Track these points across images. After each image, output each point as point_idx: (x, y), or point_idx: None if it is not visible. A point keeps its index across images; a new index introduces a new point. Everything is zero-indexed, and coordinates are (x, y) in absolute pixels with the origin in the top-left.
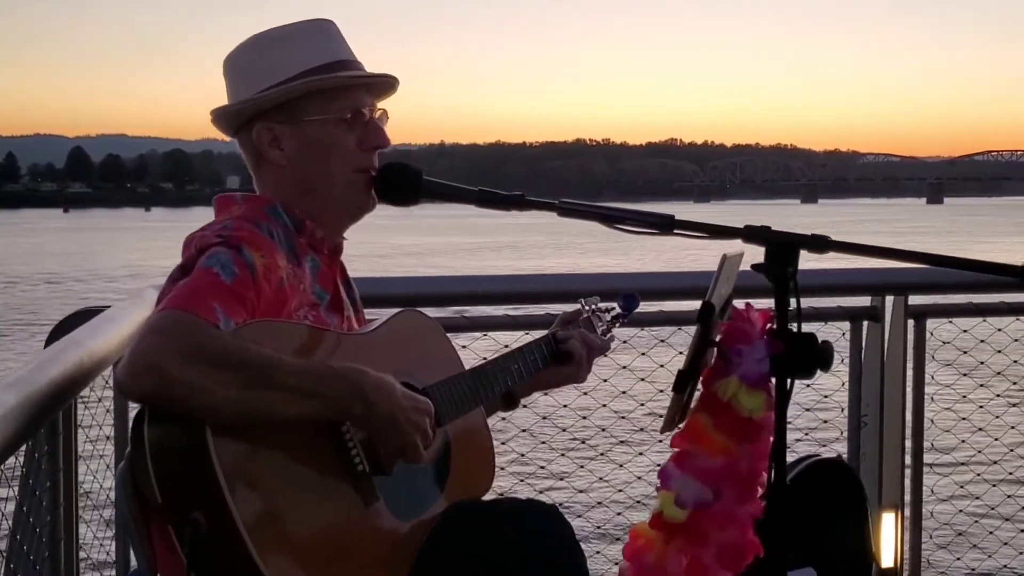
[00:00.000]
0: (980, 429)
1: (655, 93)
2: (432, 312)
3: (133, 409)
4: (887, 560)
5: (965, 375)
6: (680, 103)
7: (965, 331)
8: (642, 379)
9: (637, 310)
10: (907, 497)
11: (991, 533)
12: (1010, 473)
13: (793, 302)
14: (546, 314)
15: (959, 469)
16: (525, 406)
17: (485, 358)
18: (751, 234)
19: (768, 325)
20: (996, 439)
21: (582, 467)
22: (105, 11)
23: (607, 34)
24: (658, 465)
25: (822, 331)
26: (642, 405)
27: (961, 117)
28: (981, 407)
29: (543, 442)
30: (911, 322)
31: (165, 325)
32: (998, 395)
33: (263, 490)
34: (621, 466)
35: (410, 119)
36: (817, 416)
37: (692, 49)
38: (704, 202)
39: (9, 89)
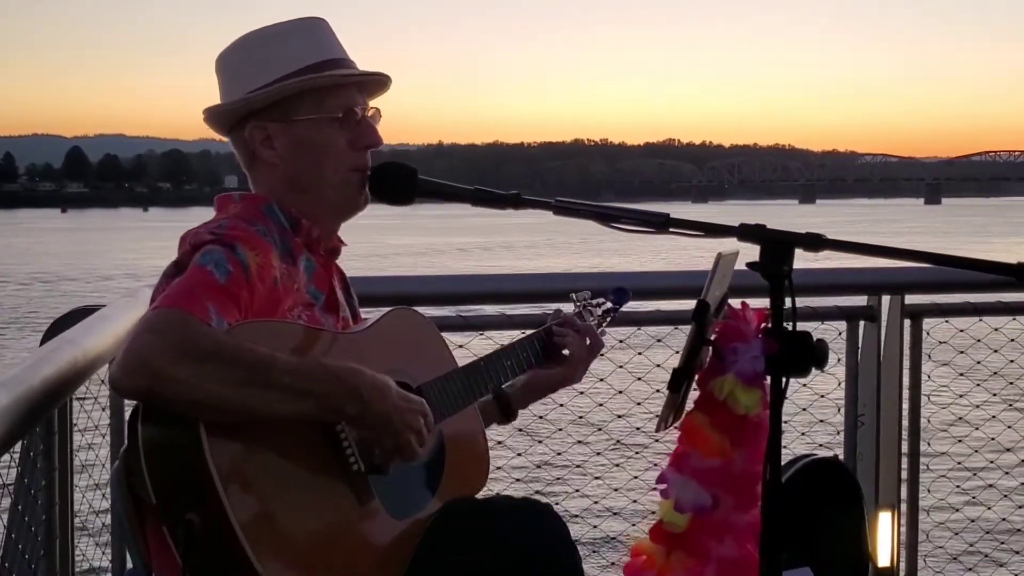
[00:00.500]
0: (976, 428)
1: (653, 94)
2: (428, 311)
3: (129, 407)
4: (884, 559)
5: (961, 375)
6: (678, 103)
7: (962, 330)
8: (638, 378)
9: (629, 305)
10: (903, 496)
11: (987, 532)
12: (1006, 472)
13: (788, 301)
14: (542, 313)
15: (955, 468)
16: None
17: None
18: (746, 232)
19: (763, 324)
20: (993, 438)
21: (578, 466)
22: (103, 11)
23: (605, 34)
24: (654, 464)
25: (818, 330)
26: (638, 404)
27: (959, 118)
28: (977, 407)
29: (539, 441)
30: (907, 321)
31: (159, 323)
32: (994, 394)
33: (258, 490)
34: (617, 465)
35: (408, 119)
36: (813, 416)
37: (690, 49)
38: (702, 202)
39: (7, 89)
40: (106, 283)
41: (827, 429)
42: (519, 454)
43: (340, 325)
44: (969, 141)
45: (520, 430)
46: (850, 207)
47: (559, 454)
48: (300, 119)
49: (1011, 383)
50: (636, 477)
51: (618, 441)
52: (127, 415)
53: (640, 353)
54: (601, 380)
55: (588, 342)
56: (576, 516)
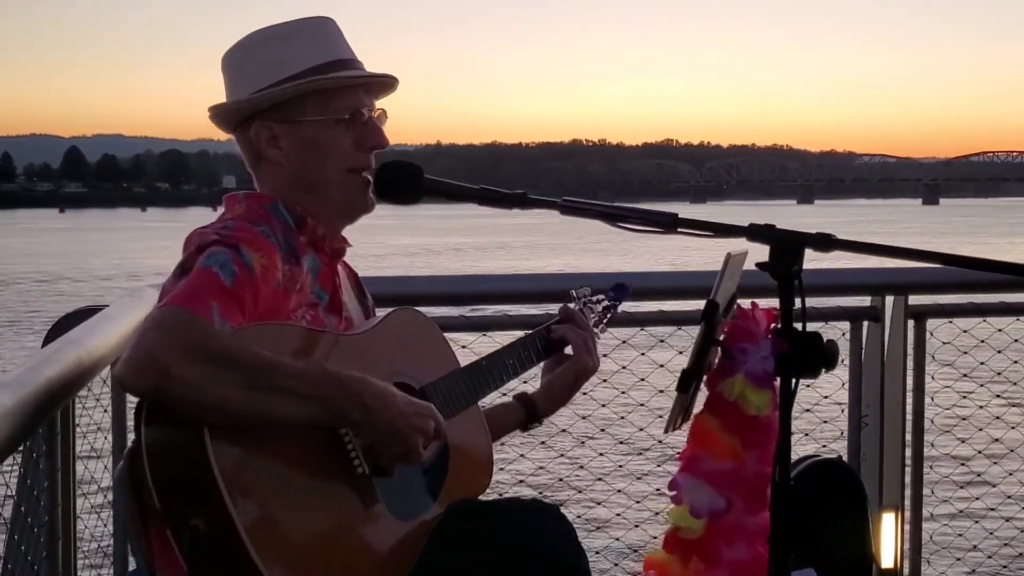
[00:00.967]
0: (980, 429)
1: (651, 94)
2: (430, 311)
3: (131, 408)
4: (887, 560)
5: (965, 375)
6: (676, 104)
7: (965, 331)
8: (642, 379)
9: (631, 305)
10: (907, 497)
11: (991, 534)
12: (1010, 473)
13: (798, 301)
14: (545, 313)
15: (959, 469)
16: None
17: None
18: (755, 232)
19: (772, 324)
20: (996, 439)
21: (582, 467)
22: (101, 11)
23: (604, 35)
24: (658, 466)
25: (822, 331)
26: (641, 405)
27: (957, 118)
28: (981, 407)
29: (542, 442)
30: (911, 322)
31: (167, 322)
32: (998, 395)
33: (262, 494)
34: (620, 467)
35: (406, 119)
36: (817, 416)
37: (689, 49)
38: (700, 203)
39: (5, 89)
40: (104, 283)
41: (831, 430)
42: (522, 455)
43: (343, 326)
44: (967, 141)
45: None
46: (848, 207)
47: (562, 455)
48: (306, 120)
49: (1015, 384)
50: (640, 478)
51: (621, 442)
52: (130, 415)
53: (643, 353)
54: (604, 381)
55: (584, 332)
56: (579, 517)
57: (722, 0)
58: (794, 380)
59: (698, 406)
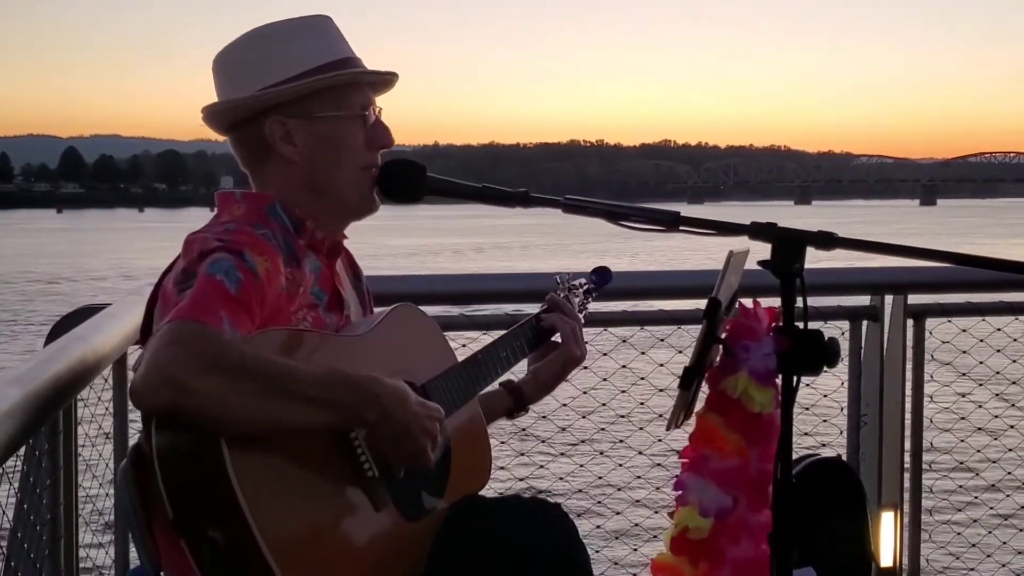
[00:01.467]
0: (979, 429)
1: (649, 94)
2: (430, 311)
3: (132, 408)
4: (886, 559)
5: (964, 375)
6: (674, 104)
7: (964, 330)
8: (641, 378)
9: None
10: (906, 496)
11: (990, 532)
12: (1009, 473)
13: (799, 299)
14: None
15: (958, 468)
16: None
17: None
18: (757, 230)
19: (774, 322)
20: (995, 439)
21: (581, 466)
22: (98, 11)
23: (601, 35)
24: (658, 464)
25: (822, 330)
26: (641, 404)
27: (954, 119)
28: (980, 406)
29: (543, 441)
30: (910, 321)
31: (180, 336)
32: (997, 395)
33: (279, 503)
34: (620, 465)
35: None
36: (816, 415)
37: (687, 50)
38: (698, 203)
39: (2, 89)
40: (101, 284)
41: (830, 428)
42: (522, 453)
43: (343, 322)
44: (964, 142)
45: (523, 430)
46: (846, 208)
47: (562, 454)
48: (321, 116)
49: (1014, 383)
50: (640, 477)
51: (621, 440)
52: (132, 414)
53: (643, 353)
54: (604, 380)
55: (572, 321)
56: (579, 516)
57: (720, 1)
58: (796, 378)
59: (698, 406)
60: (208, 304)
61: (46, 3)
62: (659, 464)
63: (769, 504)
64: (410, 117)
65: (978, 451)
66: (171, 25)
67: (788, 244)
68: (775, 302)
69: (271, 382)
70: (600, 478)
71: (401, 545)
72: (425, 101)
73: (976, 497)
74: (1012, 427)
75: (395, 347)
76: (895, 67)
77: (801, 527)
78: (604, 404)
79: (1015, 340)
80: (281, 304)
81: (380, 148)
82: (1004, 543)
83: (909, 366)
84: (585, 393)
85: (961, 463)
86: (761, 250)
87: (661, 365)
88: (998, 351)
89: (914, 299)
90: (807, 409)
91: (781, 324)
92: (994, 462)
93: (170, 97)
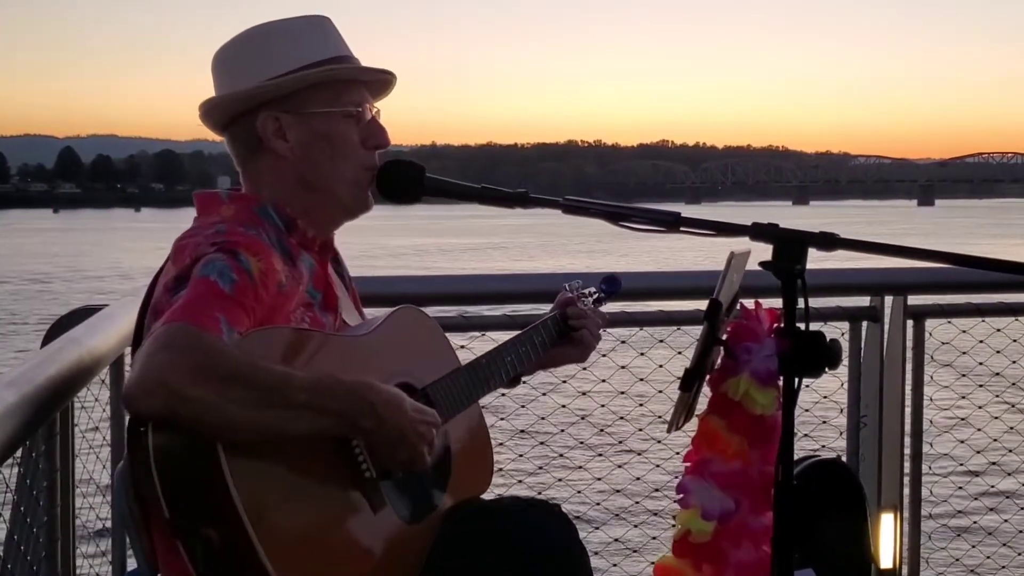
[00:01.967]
0: (979, 430)
1: (647, 95)
2: (429, 311)
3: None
4: (886, 561)
5: (964, 376)
6: (671, 105)
7: (964, 331)
8: (641, 379)
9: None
10: (906, 498)
11: (990, 534)
12: (1008, 474)
13: (801, 300)
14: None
15: (958, 470)
16: (524, 406)
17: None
18: (759, 231)
19: (775, 324)
20: (995, 440)
21: (581, 467)
22: (95, 11)
23: (599, 35)
24: (657, 465)
25: (822, 331)
26: (640, 406)
27: (952, 119)
28: (980, 408)
29: (542, 442)
30: (910, 322)
31: (174, 341)
32: (997, 396)
33: (275, 503)
34: (620, 467)
35: (401, 120)
36: (816, 416)
37: (685, 50)
38: (695, 203)
39: None
40: (98, 284)
41: (830, 430)
42: (521, 455)
43: (338, 321)
44: (962, 143)
45: (522, 431)
46: (844, 208)
47: (561, 455)
48: (315, 112)
49: (1013, 384)
50: (639, 478)
51: (620, 442)
52: (128, 416)
53: (642, 354)
54: (603, 381)
55: (595, 316)
56: (578, 518)
57: (718, 1)
58: (797, 379)
59: (699, 408)
60: (203, 307)
61: (43, 3)
62: (658, 465)
63: (771, 507)
64: (407, 117)
65: (978, 452)
66: (168, 25)
67: (790, 245)
68: (775, 303)
69: (266, 391)
70: (599, 479)
71: (400, 547)
72: (422, 101)
73: (976, 499)
74: (1012, 428)
75: (397, 349)
76: (893, 67)
77: (801, 528)
78: (603, 405)
79: (1015, 341)
80: (279, 302)
81: (375, 147)
82: (1004, 544)
83: (909, 367)
84: (584, 394)
85: (961, 464)
86: (761, 251)
87: (660, 366)
88: (998, 352)
89: (914, 300)
90: (807, 410)
91: (782, 326)
92: (994, 463)
93: (167, 97)
